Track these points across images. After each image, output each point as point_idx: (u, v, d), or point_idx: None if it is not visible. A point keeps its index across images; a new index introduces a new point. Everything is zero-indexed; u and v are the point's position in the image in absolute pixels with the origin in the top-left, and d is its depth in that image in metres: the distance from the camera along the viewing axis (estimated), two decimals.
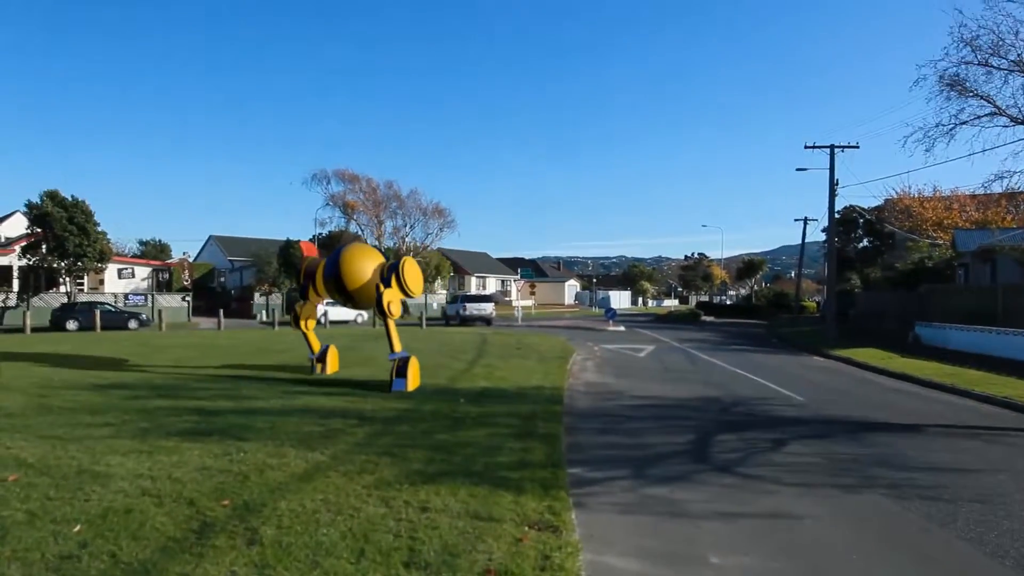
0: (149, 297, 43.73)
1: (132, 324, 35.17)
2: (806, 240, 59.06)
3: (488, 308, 43.28)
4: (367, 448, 7.56)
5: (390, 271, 12.86)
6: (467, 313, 42.61)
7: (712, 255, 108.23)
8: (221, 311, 32.22)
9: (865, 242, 63.42)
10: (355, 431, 8.47)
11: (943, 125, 15.40)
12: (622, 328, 37.68)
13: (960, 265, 33.09)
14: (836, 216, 65.86)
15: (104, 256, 41.09)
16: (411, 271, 13.20)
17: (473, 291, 71.38)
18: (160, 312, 32.78)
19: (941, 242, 34.35)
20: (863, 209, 47.17)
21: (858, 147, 30.09)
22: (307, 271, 14.01)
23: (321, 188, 52.08)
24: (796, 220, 58.89)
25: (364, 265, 12.98)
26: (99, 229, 39.92)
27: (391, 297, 12.66)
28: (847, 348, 25.26)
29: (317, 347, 14.84)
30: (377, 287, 12.64)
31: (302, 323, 14.73)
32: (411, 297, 13.44)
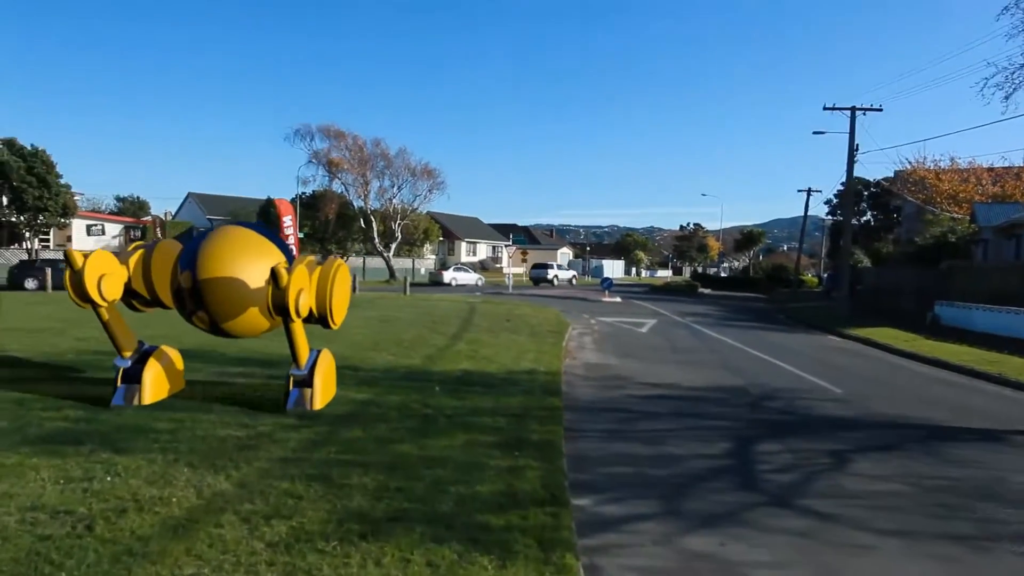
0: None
1: None
2: (800, 215, 57.10)
3: (551, 273, 53.14)
4: (295, 467, 5.44)
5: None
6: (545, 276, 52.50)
7: (709, 226, 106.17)
8: None
9: (868, 216, 61.59)
10: (287, 437, 6.33)
11: None
12: (618, 299, 35.65)
13: (979, 241, 31.13)
14: (840, 188, 63.98)
15: (68, 210, 38.56)
16: (342, 283, 8.15)
17: (463, 257, 69.26)
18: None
19: (959, 216, 32.35)
20: (878, 180, 45.08)
21: (881, 110, 27.87)
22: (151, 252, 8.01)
23: (304, 145, 49.03)
24: (799, 191, 56.67)
25: (245, 269, 7.36)
26: (62, 181, 37.31)
27: (300, 282, 7.07)
28: (862, 327, 23.34)
29: (129, 347, 7.67)
30: (273, 271, 6.82)
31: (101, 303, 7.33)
32: (330, 327, 8.24)
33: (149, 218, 51.37)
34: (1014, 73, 13.50)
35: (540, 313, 23.18)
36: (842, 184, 63.32)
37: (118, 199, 72.57)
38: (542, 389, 9.62)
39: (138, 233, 48.04)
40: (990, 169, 40.44)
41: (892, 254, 37.56)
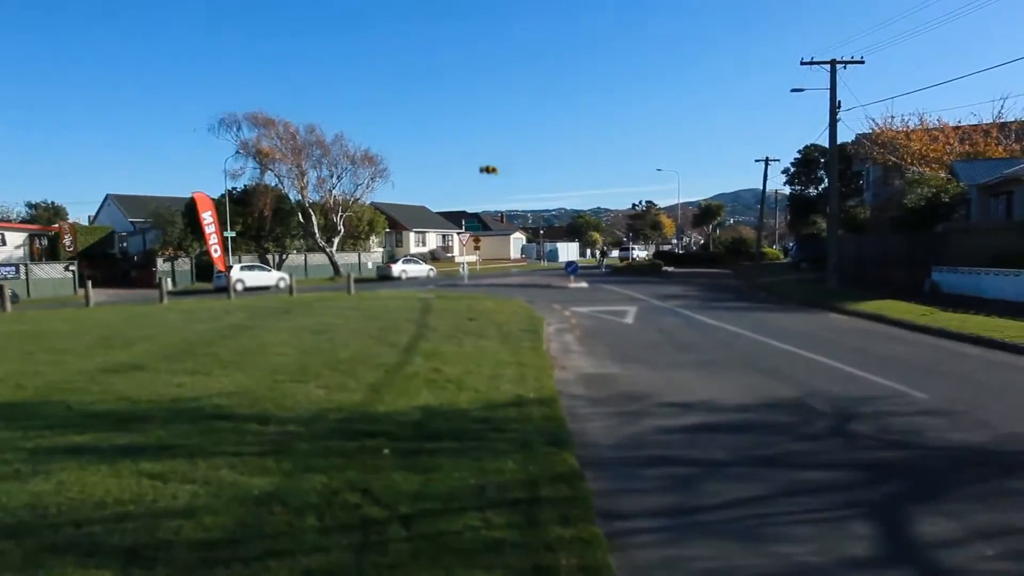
0: (23, 268, 36.41)
1: None
2: (742, 189, 55.32)
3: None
4: None
5: None
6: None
7: (660, 203, 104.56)
8: (89, 282, 25.60)
9: (827, 183, 60.20)
10: None
11: None
12: (585, 284, 32.82)
13: (963, 201, 29.23)
14: (797, 156, 62.43)
15: None
16: None
17: (412, 248, 65.57)
18: (2, 288, 25.96)
19: (943, 176, 30.38)
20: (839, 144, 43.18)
21: (863, 62, 25.48)
22: None
23: (231, 135, 44.54)
24: (757, 160, 54.82)
25: None
26: None
27: None
28: (860, 301, 21.02)
29: None
30: None
31: None
32: None
33: (58, 225, 46.15)
34: None
35: (505, 307, 20.09)
36: (799, 153, 62.15)
37: (30, 206, 66.51)
38: (541, 433, 6.51)
39: (45, 241, 42.99)
40: (956, 127, 38.90)
41: (870, 220, 35.57)
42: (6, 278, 34.20)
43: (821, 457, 6.18)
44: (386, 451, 5.81)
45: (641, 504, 5.06)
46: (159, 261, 42.14)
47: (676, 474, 5.77)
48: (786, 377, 9.96)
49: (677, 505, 5.05)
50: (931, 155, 37.05)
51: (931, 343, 13.75)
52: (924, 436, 6.79)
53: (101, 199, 61.75)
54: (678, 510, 4.96)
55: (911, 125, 38.54)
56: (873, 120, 41.37)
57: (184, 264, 43.56)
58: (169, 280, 39.97)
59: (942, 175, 29.87)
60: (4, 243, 40.71)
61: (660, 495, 5.27)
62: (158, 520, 4.33)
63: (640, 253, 76.62)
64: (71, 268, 37.76)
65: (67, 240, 41.57)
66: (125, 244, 53.41)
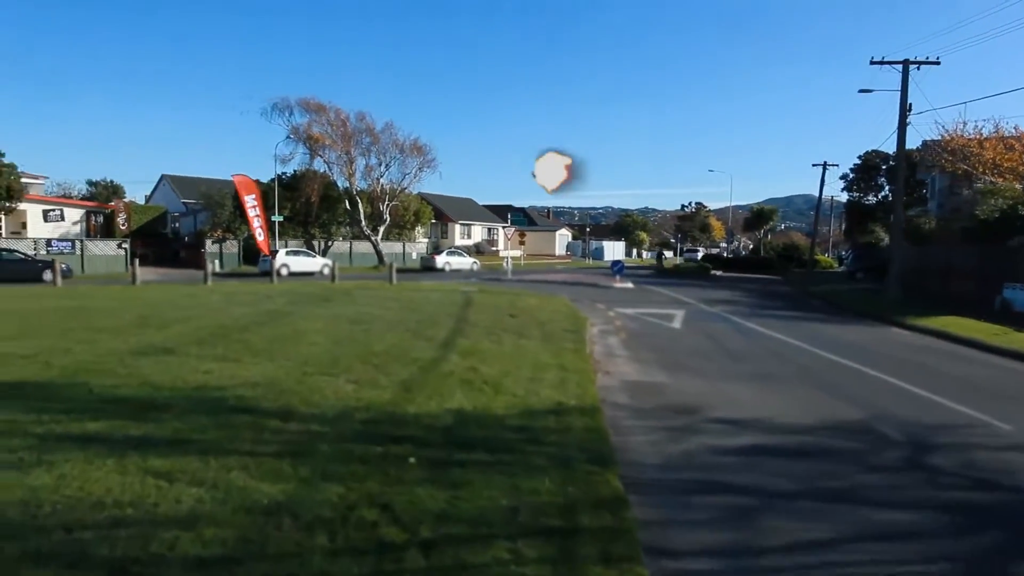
0: (78, 244, 37.40)
1: (48, 275, 28.99)
2: (795, 194, 53.43)
3: None
4: None
5: None
6: None
7: (710, 206, 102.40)
8: (136, 261, 26.07)
9: (887, 191, 57.79)
10: None
11: None
12: (630, 284, 32.01)
13: None
14: (856, 162, 60.06)
15: (13, 194, 34.57)
16: None
17: (457, 240, 65.28)
18: (54, 262, 26.47)
19: (1018, 187, 28.60)
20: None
21: (939, 63, 24.03)
22: None
23: (283, 120, 44.87)
24: (814, 165, 52.78)
25: None
26: (5, 161, 33.31)
27: None
28: (924, 316, 19.85)
29: None
30: None
31: None
32: None
33: (114, 203, 47.25)
34: None
35: (548, 304, 19.51)
36: (859, 158, 59.84)
37: (90, 183, 68.45)
38: (582, 448, 5.95)
39: (101, 219, 44.03)
40: None
41: (936, 230, 33.83)
42: (62, 253, 35.17)
43: (898, 495, 5.47)
44: (412, 460, 5.33)
45: (692, 540, 4.46)
46: (208, 242, 42.76)
47: (731, 504, 5.15)
48: (848, 396, 9.19)
49: (733, 543, 4.44)
50: (1005, 165, 34.98)
51: (1007, 366, 12.72)
52: (1018, 477, 6.02)
53: (157, 179, 63.17)
54: (735, 549, 4.35)
55: (984, 132, 36.47)
56: (942, 126, 39.37)
57: (232, 246, 44.18)
58: (216, 262, 40.54)
59: (1018, 186, 28.11)
60: (63, 219, 41.81)
61: (714, 529, 4.67)
62: (155, 529, 3.92)
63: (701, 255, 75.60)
64: (123, 246, 38.64)
65: (121, 218, 42.52)
66: (177, 224, 54.50)
